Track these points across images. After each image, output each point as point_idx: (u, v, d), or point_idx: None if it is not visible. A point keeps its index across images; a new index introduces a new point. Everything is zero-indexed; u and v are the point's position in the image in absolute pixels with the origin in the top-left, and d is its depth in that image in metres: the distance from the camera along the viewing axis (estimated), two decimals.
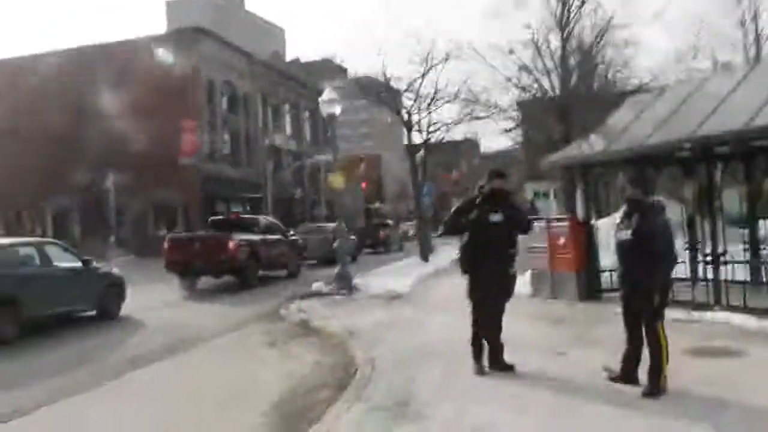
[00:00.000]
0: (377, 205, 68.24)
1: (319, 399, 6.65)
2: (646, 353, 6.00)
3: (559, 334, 8.99)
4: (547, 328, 9.38)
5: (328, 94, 15.56)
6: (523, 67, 16.46)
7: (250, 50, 48.62)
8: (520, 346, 8.20)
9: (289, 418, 6.12)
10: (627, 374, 6.18)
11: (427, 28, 36.17)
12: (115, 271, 13.79)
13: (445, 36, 38.66)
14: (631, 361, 6.18)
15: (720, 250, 9.50)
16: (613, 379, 6.26)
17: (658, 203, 6.53)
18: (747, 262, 9.24)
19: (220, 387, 7.62)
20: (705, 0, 24.85)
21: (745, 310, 8.93)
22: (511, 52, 16.29)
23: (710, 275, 9.61)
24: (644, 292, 5.94)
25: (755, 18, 23.78)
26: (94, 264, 13.01)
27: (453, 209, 7.30)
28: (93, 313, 12.58)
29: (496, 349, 7.02)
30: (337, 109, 15.54)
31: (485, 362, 6.96)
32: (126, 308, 13.23)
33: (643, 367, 6.03)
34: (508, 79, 16.84)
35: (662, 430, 5.00)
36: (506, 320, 10.52)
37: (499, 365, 6.95)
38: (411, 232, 54.95)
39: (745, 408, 5.36)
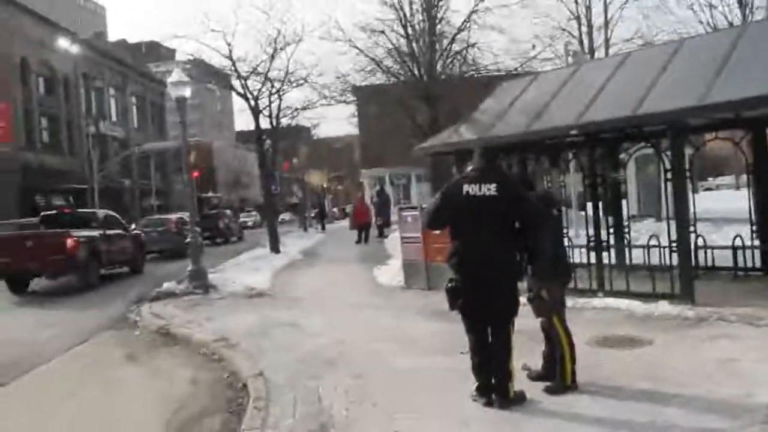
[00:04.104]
0: (210, 194, 66.06)
1: (213, 429, 5.64)
2: None
3: (450, 329, 8.41)
4: (434, 324, 8.68)
5: (177, 75, 14.11)
6: (393, 50, 15.93)
7: (67, 27, 44.40)
8: (413, 344, 7.68)
9: None
10: (551, 372, 5.78)
11: (279, 5, 34.43)
12: None
13: (299, 16, 37.50)
14: (552, 358, 5.81)
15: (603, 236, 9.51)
16: (535, 378, 5.84)
17: (547, 195, 6.30)
18: (646, 246, 9.25)
19: (76, 423, 6.22)
20: None
21: (628, 294, 9.00)
22: (381, 32, 15.69)
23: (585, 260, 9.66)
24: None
25: (588, 12, 25.08)
26: None
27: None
28: None
29: None
30: (186, 92, 14.14)
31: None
32: None
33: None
34: (376, 62, 16.23)
35: None
36: (385, 316, 10.08)
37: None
38: (250, 222, 53.66)
39: (688, 401, 5.11)
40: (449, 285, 5.44)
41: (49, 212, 19.69)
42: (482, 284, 5.25)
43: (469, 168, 5.59)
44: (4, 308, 13.72)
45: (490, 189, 5.24)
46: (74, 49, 40.14)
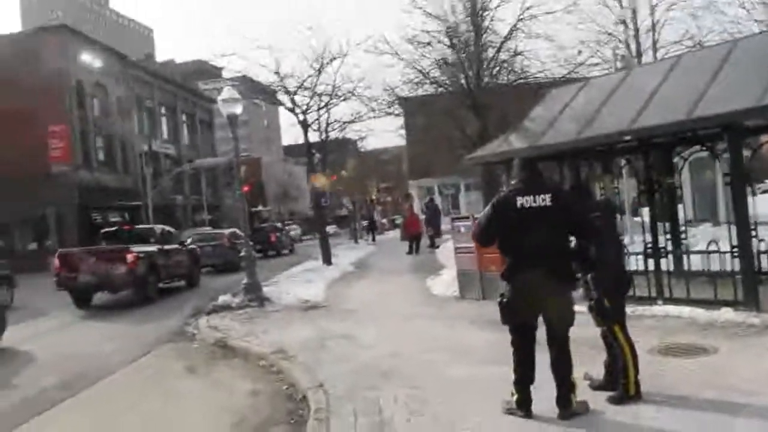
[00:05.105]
0: (260, 208, 66.83)
1: None
2: None
3: (505, 339, 8.28)
4: (488, 333, 8.57)
5: (227, 92, 14.43)
6: (441, 61, 15.99)
7: (118, 50, 45.76)
8: (467, 354, 7.65)
9: None
10: (613, 382, 5.70)
11: (325, 21, 35.35)
12: None
13: (345, 30, 38.51)
14: (613, 367, 5.73)
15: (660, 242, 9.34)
16: (597, 388, 5.77)
17: (607, 202, 6.23)
18: (706, 252, 9.05)
19: None
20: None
21: (689, 301, 8.80)
22: (428, 44, 15.78)
23: (640, 267, 9.49)
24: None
25: (634, 15, 24.62)
26: None
27: None
28: None
29: None
30: (238, 109, 14.43)
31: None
32: (7, 337, 11.19)
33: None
34: (423, 73, 16.32)
35: None
36: (439, 326, 10.05)
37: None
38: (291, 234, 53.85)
39: (759, 411, 4.97)
40: (503, 300, 5.42)
41: (109, 229, 20.44)
42: (538, 297, 5.21)
43: (514, 180, 5.55)
44: (70, 322, 14.19)
45: (545, 199, 5.18)
46: (126, 70, 41.30)
